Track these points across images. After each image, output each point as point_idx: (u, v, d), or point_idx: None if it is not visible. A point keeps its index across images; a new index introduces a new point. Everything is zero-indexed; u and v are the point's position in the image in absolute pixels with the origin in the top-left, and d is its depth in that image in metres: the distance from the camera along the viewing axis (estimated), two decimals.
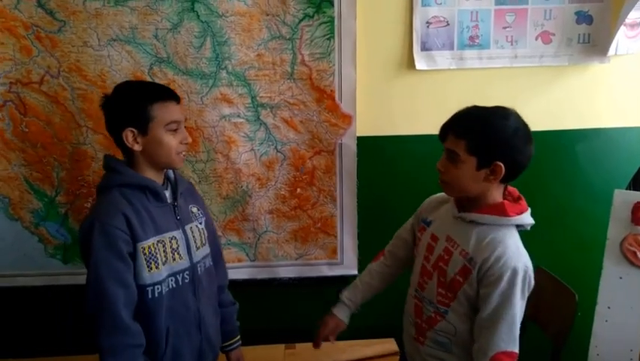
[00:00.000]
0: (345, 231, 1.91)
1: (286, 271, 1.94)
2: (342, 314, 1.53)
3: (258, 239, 1.90)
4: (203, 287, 1.38)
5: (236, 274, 1.92)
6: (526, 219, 1.24)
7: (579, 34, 1.81)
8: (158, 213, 1.29)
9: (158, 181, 1.32)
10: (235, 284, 1.88)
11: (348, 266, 1.94)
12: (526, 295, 1.20)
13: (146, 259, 1.23)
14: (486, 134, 1.18)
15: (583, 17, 1.80)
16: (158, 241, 1.27)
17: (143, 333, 1.23)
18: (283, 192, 1.86)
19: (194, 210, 1.43)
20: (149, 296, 1.24)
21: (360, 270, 1.93)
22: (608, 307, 1.64)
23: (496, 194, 1.24)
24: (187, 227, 1.36)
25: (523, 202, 1.28)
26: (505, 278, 1.16)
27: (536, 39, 1.81)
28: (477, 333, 1.22)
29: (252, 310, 1.95)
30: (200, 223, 1.42)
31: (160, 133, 1.27)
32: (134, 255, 1.22)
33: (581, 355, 1.67)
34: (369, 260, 1.89)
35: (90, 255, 1.17)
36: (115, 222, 1.20)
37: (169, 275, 1.29)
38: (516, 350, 1.19)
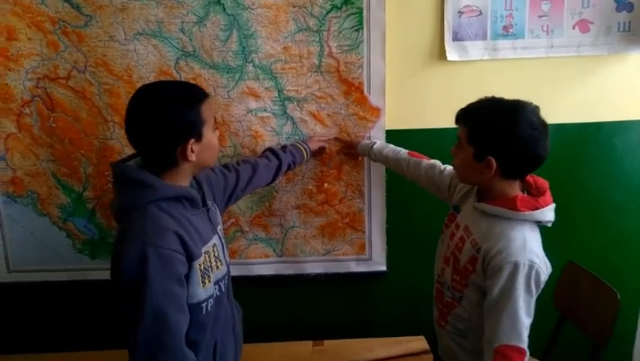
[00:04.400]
0: (374, 226, 1.87)
1: (313, 267, 1.91)
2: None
3: (285, 235, 1.88)
4: (231, 287, 1.36)
5: (262, 269, 1.91)
6: (541, 215, 1.21)
7: (619, 23, 1.73)
8: (197, 221, 1.20)
9: (190, 186, 1.24)
10: (262, 280, 1.91)
11: (377, 262, 1.91)
12: (534, 292, 1.18)
13: (201, 275, 1.15)
14: (484, 127, 1.19)
15: (623, 4, 1.71)
16: (205, 252, 1.18)
17: (197, 352, 1.16)
18: (310, 187, 1.84)
19: (212, 204, 1.33)
20: (204, 313, 1.17)
21: (388, 266, 1.92)
22: None
23: (509, 186, 1.23)
24: (218, 229, 1.30)
25: (545, 198, 1.24)
26: (506, 273, 1.15)
27: (573, 28, 1.73)
28: (484, 323, 1.22)
29: (279, 306, 1.99)
30: (218, 213, 1.35)
31: (210, 135, 1.18)
32: (188, 274, 1.12)
33: (623, 356, 1.60)
34: (397, 256, 1.92)
35: (145, 285, 1.03)
36: (170, 244, 1.08)
37: (214, 284, 1.22)
38: (523, 345, 1.16)
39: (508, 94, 1.79)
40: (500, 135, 1.17)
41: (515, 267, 1.15)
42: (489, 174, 1.20)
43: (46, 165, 1.78)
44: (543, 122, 1.20)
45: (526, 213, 1.20)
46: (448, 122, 1.75)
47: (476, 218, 1.28)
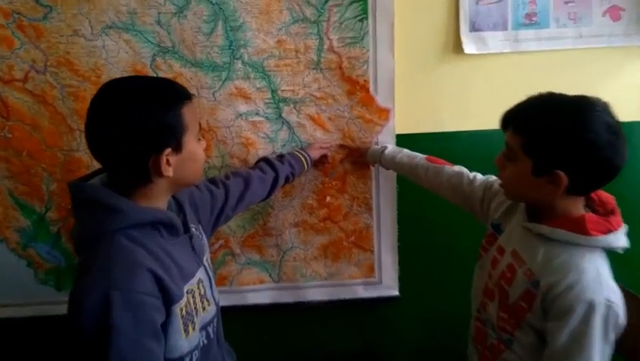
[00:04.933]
0: (383, 245, 1.71)
1: (315, 294, 1.75)
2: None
3: (283, 257, 1.71)
4: (221, 330, 1.15)
5: (257, 297, 1.74)
6: (615, 241, 1.00)
7: None
8: (177, 252, 0.98)
9: (168, 209, 1.04)
10: (256, 309, 1.74)
11: (388, 286, 1.74)
12: (612, 337, 0.96)
13: (183, 322, 0.94)
14: (547, 134, 0.98)
15: None
16: (188, 292, 0.97)
17: None
18: (310, 202, 1.67)
19: (195, 229, 1.13)
20: None
21: (401, 289, 1.74)
22: None
23: (572, 205, 1.03)
24: (204, 260, 1.09)
25: (616, 218, 1.03)
26: (578, 314, 0.94)
27: (603, 15, 1.58)
28: None
29: (277, 338, 1.83)
30: (203, 239, 1.15)
31: (192, 145, 0.98)
32: (166, 322, 0.91)
33: None
34: (411, 279, 1.74)
35: (110, 339, 0.83)
36: (143, 286, 0.87)
37: (200, 331, 1.01)
38: None
39: (531, 91, 1.61)
40: (570, 143, 0.96)
41: (590, 307, 0.94)
42: (556, 192, 0.99)
43: (2, 183, 1.59)
44: (619, 123, 0.99)
45: (599, 237, 0.99)
46: (466, 124, 1.62)
47: (528, 242, 1.07)
